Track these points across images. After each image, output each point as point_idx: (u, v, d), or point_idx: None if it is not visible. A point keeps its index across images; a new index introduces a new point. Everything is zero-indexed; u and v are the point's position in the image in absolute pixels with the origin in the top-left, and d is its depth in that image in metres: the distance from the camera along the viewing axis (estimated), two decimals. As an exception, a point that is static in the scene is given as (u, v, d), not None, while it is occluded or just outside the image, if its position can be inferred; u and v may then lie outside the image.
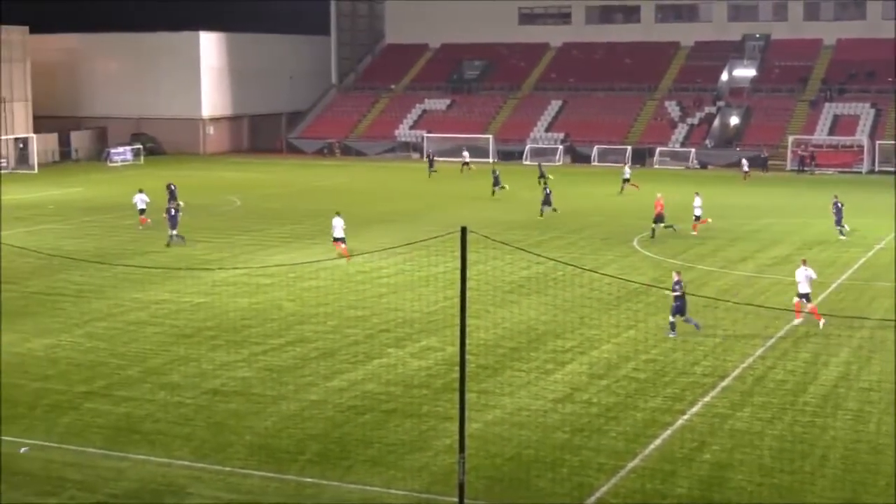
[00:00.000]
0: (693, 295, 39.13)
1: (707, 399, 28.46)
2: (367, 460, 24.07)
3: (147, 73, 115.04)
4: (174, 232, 52.49)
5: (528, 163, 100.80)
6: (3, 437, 25.34)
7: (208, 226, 58.91)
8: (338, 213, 49.51)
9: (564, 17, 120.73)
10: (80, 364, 31.74)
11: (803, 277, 36.68)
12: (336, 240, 49.02)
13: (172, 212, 53.11)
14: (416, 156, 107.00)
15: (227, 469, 23.53)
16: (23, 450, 24.52)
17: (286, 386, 29.62)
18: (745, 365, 31.62)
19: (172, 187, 61.93)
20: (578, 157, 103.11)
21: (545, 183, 66.97)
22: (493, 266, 42.59)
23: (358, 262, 45.17)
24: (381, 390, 29.20)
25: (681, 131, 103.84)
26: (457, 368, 23.72)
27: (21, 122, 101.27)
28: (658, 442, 25.23)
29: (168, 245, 52.14)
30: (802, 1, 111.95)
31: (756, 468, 23.61)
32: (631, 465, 23.81)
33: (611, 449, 24.76)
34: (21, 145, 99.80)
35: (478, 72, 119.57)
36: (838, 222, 54.90)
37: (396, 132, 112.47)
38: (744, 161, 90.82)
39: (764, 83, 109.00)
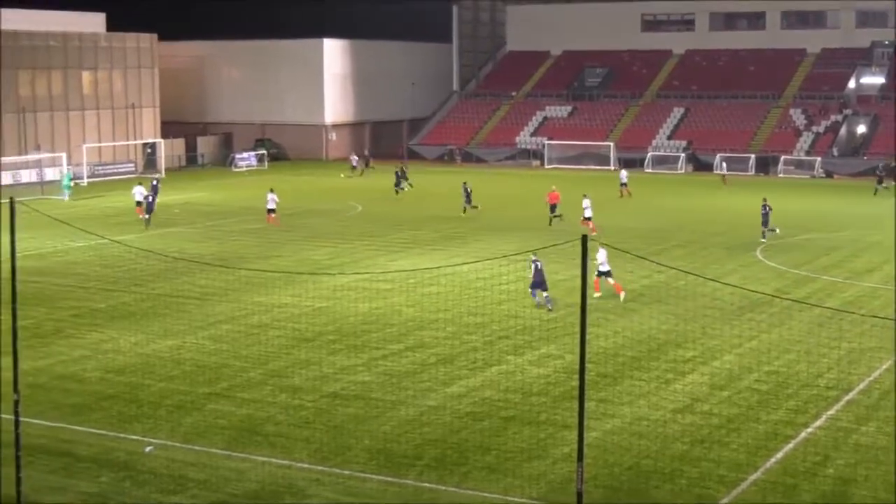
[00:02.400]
0: (818, 306, 38.58)
1: (831, 412, 27.92)
2: (485, 467, 24.08)
3: (271, 80, 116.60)
4: (147, 216, 61.72)
5: (649, 171, 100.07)
6: (129, 436, 25.91)
7: (330, 231, 59.48)
8: (271, 190, 62.67)
9: (688, 24, 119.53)
10: (203, 365, 32.28)
11: (604, 258, 40.68)
12: (269, 211, 61.63)
13: (150, 198, 63.48)
14: (536, 163, 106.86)
15: (346, 472, 23.71)
16: (147, 449, 25.00)
17: (405, 391, 29.77)
18: (871, 378, 30.95)
19: (155, 182, 71.47)
20: (701, 165, 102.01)
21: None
22: (614, 274, 42.21)
23: (478, 268, 45.24)
24: (499, 397, 29.19)
25: (806, 140, 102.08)
26: (575, 377, 23.58)
27: (149, 128, 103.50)
28: (780, 455, 24.83)
29: (146, 228, 60.52)
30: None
31: (881, 484, 23.09)
32: (752, 477, 23.47)
33: (732, 461, 24.43)
34: (149, 150, 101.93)
35: (599, 79, 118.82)
36: (765, 224, 56.11)
37: (517, 139, 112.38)
38: (723, 164, 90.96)
39: (893, 91, 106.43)
